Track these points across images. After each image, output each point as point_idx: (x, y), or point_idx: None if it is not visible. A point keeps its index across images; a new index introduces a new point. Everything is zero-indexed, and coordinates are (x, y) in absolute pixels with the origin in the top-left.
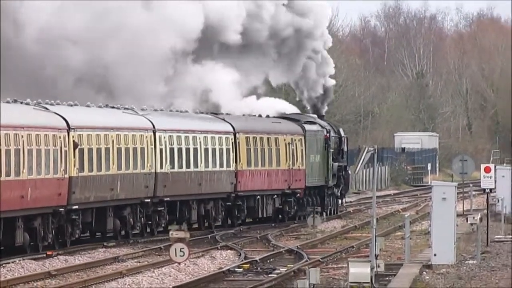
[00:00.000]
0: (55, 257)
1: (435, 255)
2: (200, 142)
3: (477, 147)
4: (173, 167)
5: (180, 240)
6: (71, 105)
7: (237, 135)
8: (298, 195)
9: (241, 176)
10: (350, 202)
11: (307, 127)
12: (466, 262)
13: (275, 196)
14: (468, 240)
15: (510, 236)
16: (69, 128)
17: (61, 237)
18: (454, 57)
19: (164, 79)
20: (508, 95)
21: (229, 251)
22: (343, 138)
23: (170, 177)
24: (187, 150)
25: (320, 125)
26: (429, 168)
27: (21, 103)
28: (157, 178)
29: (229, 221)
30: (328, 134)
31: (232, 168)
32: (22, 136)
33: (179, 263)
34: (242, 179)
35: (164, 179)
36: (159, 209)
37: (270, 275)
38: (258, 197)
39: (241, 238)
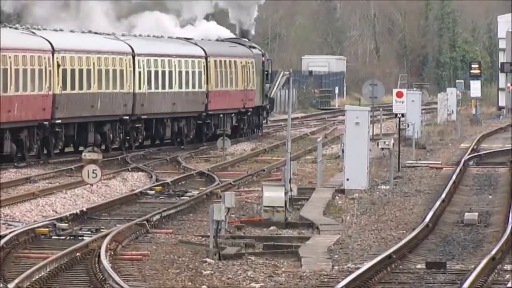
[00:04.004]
0: None
1: (347, 179)
2: (175, 65)
3: (384, 71)
4: (150, 88)
5: (92, 161)
6: (56, 30)
7: (208, 58)
8: (249, 113)
9: (212, 96)
10: None
11: (254, 51)
12: (379, 187)
13: (233, 114)
14: (379, 165)
15: (421, 161)
16: (53, 50)
17: (46, 149)
18: None
19: None
20: (416, 19)
21: (140, 173)
22: (269, 61)
23: (147, 97)
24: (163, 72)
25: (258, 49)
26: (336, 91)
27: (10, 28)
28: (135, 98)
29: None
30: (264, 58)
31: (204, 89)
32: (10, 57)
33: (92, 185)
34: (212, 99)
35: (142, 99)
36: (136, 125)
37: (182, 197)
38: (221, 115)
39: (150, 160)
